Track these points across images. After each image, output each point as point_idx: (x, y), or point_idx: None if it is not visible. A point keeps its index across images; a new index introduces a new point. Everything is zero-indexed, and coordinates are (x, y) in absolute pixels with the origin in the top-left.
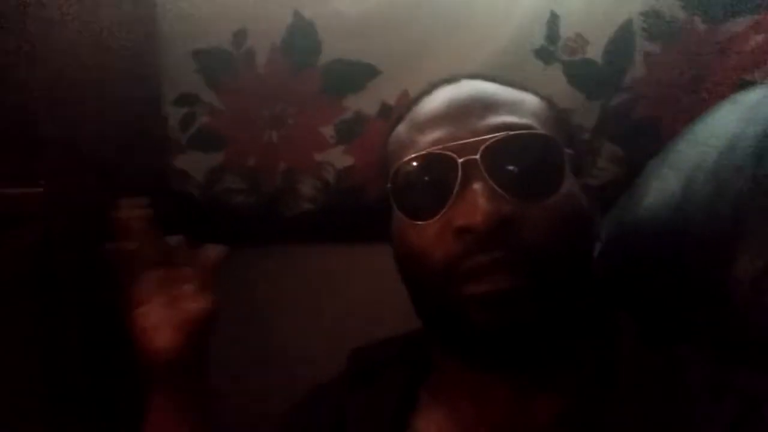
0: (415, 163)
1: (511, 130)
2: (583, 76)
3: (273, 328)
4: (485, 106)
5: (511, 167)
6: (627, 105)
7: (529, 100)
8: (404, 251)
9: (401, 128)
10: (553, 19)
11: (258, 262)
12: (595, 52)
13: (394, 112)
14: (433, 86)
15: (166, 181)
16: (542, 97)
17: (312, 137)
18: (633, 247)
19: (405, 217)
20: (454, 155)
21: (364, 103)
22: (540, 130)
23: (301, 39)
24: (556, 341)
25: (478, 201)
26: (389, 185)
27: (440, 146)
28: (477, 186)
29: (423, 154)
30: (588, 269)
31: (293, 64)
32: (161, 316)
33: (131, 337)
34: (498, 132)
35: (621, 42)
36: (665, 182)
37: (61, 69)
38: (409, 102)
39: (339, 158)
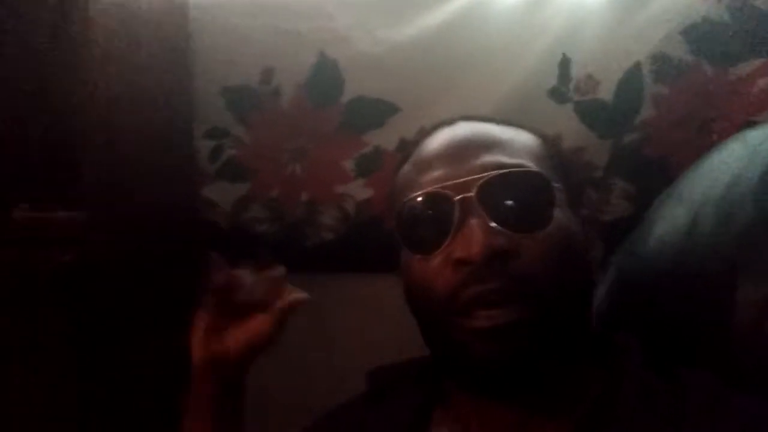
0: (416, 202)
1: (504, 169)
2: (595, 115)
3: (294, 356)
4: (480, 146)
5: (504, 203)
6: (638, 144)
7: (524, 138)
8: (410, 284)
9: (406, 168)
10: (565, 61)
11: None
12: (605, 92)
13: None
14: (434, 128)
15: (195, 210)
16: (538, 135)
17: (333, 170)
18: (643, 277)
19: (409, 252)
20: (452, 193)
21: (384, 138)
22: (530, 167)
23: (325, 78)
24: (560, 368)
25: (474, 235)
26: (395, 222)
27: (439, 185)
28: (473, 221)
29: (423, 193)
30: (586, 298)
31: (317, 101)
32: (227, 326)
33: (190, 347)
34: (492, 170)
35: (631, 83)
36: (674, 215)
37: (104, 103)
38: (413, 143)
39: (359, 191)
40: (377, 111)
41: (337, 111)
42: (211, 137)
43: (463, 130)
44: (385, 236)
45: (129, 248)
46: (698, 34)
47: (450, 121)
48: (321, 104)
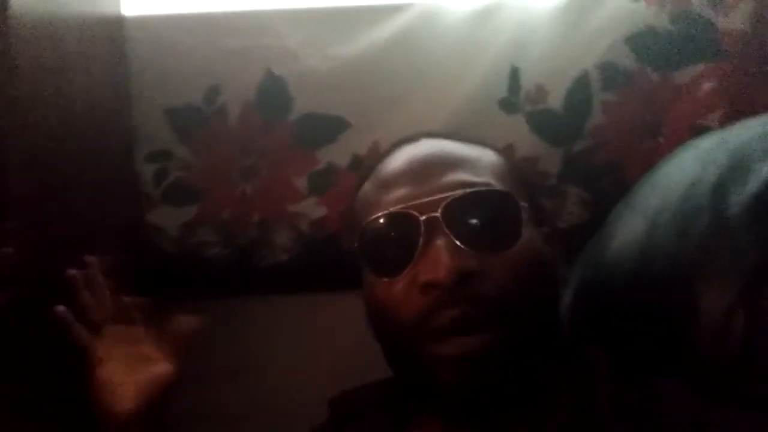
0: (379, 222)
1: (470, 188)
2: (545, 124)
3: (250, 378)
4: (444, 164)
5: (471, 222)
6: (589, 151)
7: (487, 156)
8: (373, 307)
9: (367, 187)
10: (514, 72)
11: (235, 314)
12: (555, 101)
13: (362, 169)
14: (395, 146)
15: (140, 237)
16: (500, 153)
17: (285, 189)
18: (604, 288)
19: (373, 275)
20: (417, 213)
21: (336, 154)
22: (497, 187)
23: (273, 95)
24: (529, 390)
25: (441, 256)
26: (356, 243)
27: (403, 205)
28: (440, 242)
29: (387, 213)
30: (555, 314)
31: (265, 118)
32: (123, 377)
33: (91, 395)
34: (457, 189)
35: (579, 92)
36: (630, 226)
37: (34, 128)
38: (373, 160)
39: (312, 209)
40: (328, 127)
41: (287, 128)
42: (153, 160)
43: (425, 147)
44: (341, 255)
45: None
46: (642, 42)
47: (412, 138)
48: (270, 122)
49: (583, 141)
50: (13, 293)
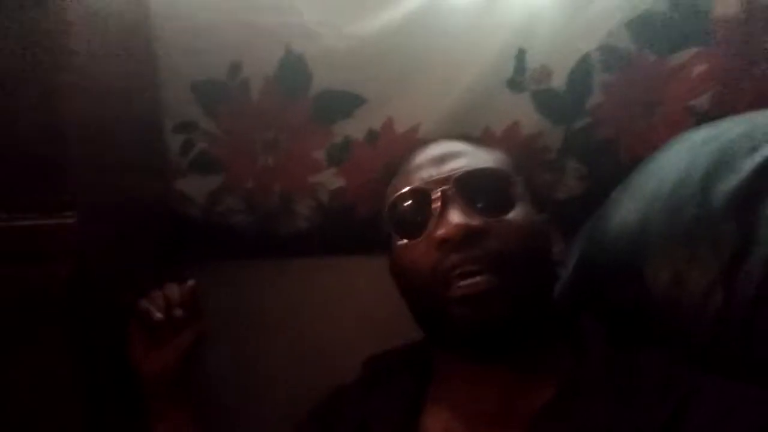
0: (404, 196)
1: (471, 167)
2: (549, 103)
3: (270, 340)
4: (453, 154)
5: (474, 194)
6: (588, 128)
7: (487, 149)
8: (399, 265)
9: (395, 179)
10: (521, 54)
11: (257, 277)
12: (558, 81)
13: (389, 166)
14: (420, 145)
15: (169, 204)
16: (497, 148)
17: (305, 161)
18: (600, 264)
19: (399, 238)
20: (433, 187)
21: (352, 129)
22: (493, 167)
23: (293, 71)
24: (532, 338)
25: (453, 218)
26: (386, 216)
27: (423, 182)
28: (450, 208)
29: (410, 189)
30: (546, 269)
31: (286, 94)
32: (155, 342)
33: (131, 359)
34: (462, 169)
35: (581, 72)
36: (627, 209)
37: (79, 104)
38: (401, 160)
39: (331, 180)
40: (345, 103)
41: (306, 103)
42: (181, 131)
43: (440, 145)
44: (357, 222)
45: (118, 252)
46: (641, 26)
47: (432, 141)
48: (290, 97)
49: (583, 119)
50: (74, 263)
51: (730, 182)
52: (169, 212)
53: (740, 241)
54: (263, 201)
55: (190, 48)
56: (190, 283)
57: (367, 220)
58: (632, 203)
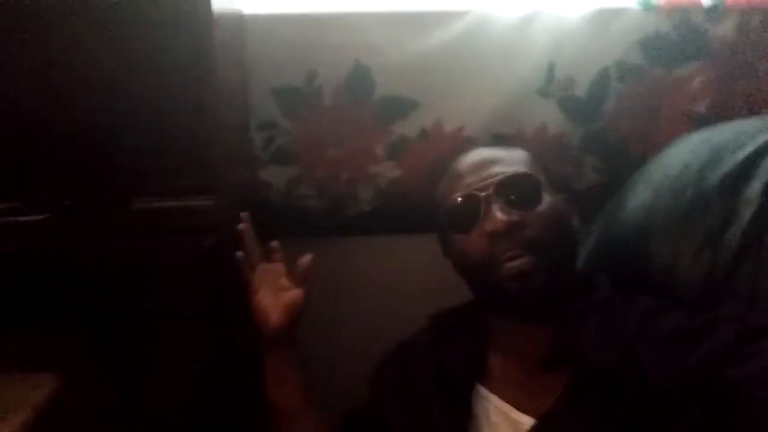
0: (456, 201)
1: (506, 174)
2: (571, 107)
3: (337, 306)
4: (490, 161)
5: (511, 193)
6: (604, 129)
7: (517, 153)
8: (457, 254)
9: (443, 183)
10: (550, 66)
11: (327, 252)
12: (580, 90)
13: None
14: (463, 154)
15: (254, 190)
16: (522, 149)
17: (367, 154)
18: (617, 238)
19: (454, 233)
20: (478, 192)
21: (407, 128)
22: (523, 171)
23: (360, 80)
24: (561, 299)
25: (497, 215)
26: (443, 215)
27: (469, 189)
28: (494, 207)
29: (461, 195)
30: (573, 249)
31: (353, 99)
32: (271, 301)
33: (252, 316)
34: (499, 176)
35: (600, 83)
36: (640, 193)
37: (214, 101)
38: (448, 162)
39: (389, 170)
40: (402, 106)
41: (370, 107)
42: (263, 129)
43: (481, 152)
44: (411, 206)
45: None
46: (651, 45)
47: (470, 149)
48: (356, 101)
49: (600, 121)
50: (215, 238)
51: (719, 172)
52: (256, 197)
53: (725, 215)
54: (332, 188)
55: (273, 59)
56: (307, 257)
57: (419, 205)
58: (644, 189)
